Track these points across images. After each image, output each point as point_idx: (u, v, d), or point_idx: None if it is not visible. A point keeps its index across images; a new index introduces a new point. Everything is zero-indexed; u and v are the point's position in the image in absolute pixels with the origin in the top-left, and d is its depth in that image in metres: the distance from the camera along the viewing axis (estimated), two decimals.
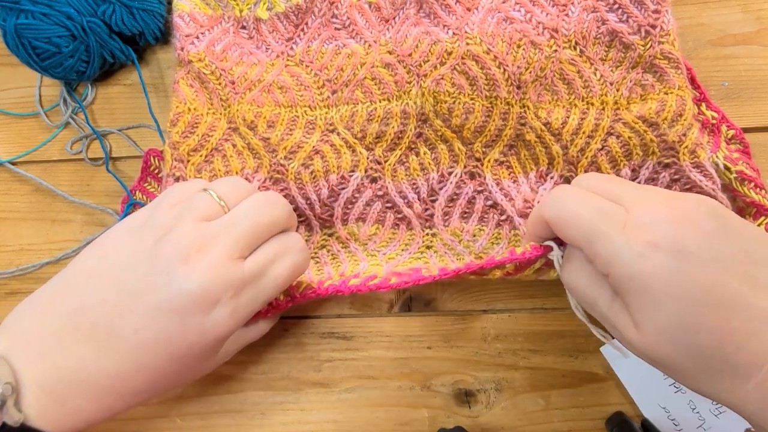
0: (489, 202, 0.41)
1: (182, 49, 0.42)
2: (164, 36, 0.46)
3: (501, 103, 0.40)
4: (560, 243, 0.34)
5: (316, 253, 0.42)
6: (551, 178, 0.41)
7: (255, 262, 0.33)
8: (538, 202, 0.40)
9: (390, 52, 0.41)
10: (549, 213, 0.33)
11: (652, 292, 0.29)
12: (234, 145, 0.42)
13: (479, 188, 0.42)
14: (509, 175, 0.41)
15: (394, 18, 0.42)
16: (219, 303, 0.31)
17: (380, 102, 0.41)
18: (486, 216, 0.41)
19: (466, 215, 0.42)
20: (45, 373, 0.30)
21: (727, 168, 0.39)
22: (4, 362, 0.29)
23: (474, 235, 0.41)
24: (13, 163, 0.46)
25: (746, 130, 0.41)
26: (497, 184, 0.41)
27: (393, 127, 0.41)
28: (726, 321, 0.28)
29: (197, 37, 0.43)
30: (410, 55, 0.41)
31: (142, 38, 0.44)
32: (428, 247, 0.42)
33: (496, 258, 0.36)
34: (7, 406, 0.28)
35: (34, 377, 0.29)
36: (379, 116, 0.41)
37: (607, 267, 0.30)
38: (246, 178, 0.41)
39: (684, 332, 0.28)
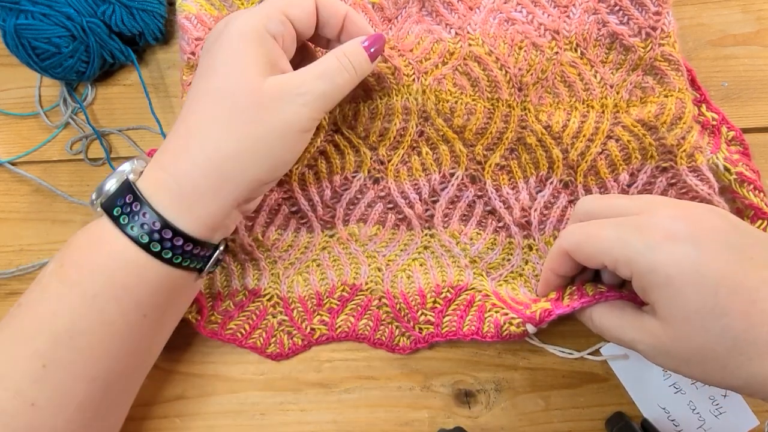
0: (488, 208, 0.42)
1: (193, 54, 0.42)
2: (164, 36, 0.46)
3: (502, 105, 0.40)
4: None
5: (318, 255, 0.42)
6: (550, 183, 0.41)
7: None
8: (535, 210, 0.41)
9: (391, 48, 0.41)
10: (566, 242, 0.34)
11: (676, 282, 0.29)
12: None
13: (479, 193, 0.42)
14: (509, 181, 0.42)
15: (396, 17, 0.42)
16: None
17: (381, 99, 0.41)
18: (484, 221, 0.42)
19: (465, 218, 0.42)
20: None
21: (727, 169, 0.39)
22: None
23: (471, 239, 0.42)
24: (13, 164, 0.46)
25: (746, 130, 0.41)
26: (496, 191, 0.42)
27: (395, 124, 0.41)
28: (752, 303, 0.28)
29: None
30: (411, 50, 0.41)
31: (142, 39, 0.44)
32: (426, 248, 0.42)
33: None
34: (134, 170, 0.33)
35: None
36: (381, 113, 0.41)
37: (629, 267, 0.30)
38: None
39: (712, 317, 0.28)
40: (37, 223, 0.45)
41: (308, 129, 0.34)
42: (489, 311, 0.39)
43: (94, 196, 0.33)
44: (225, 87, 0.32)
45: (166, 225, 0.31)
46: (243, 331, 0.42)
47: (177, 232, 0.32)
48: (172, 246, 0.32)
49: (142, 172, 0.33)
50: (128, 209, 0.31)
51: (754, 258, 0.29)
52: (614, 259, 0.31)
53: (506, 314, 0.38)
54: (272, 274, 0.42)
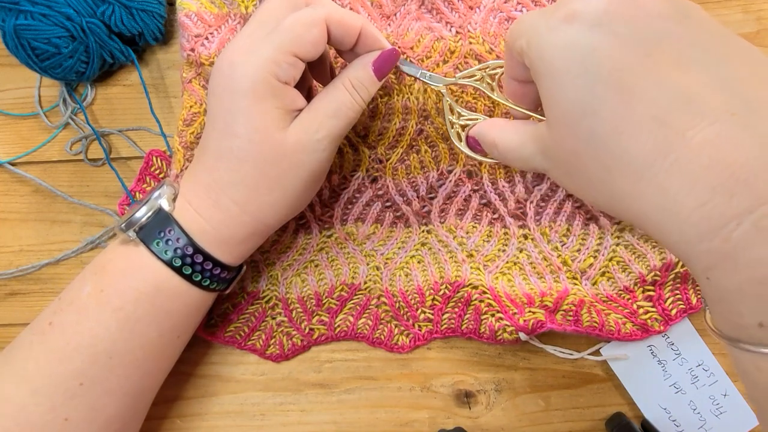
0: (483, 201, 0.42)
1: (192, 50, 0.42)
2: (164, 36, 0.46)
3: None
4: None
5: (316, 256, 0.42)
6: (548, 177, 0.41)
7: None
8: (531, 201, 0.41)
9: (392, 44, 0.41)
10: (506, 37, 0.31)
11: (559, 72, 0.25)
12: None
13: (475, 187, 0.42)
14: (506, 174, 0.42)
15: (395, 14, 0.42)
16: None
17: (381, 98, 0.41)
18: (479, 214, 0.42)
19: (461, 212, 0.42)
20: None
21: None
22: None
23: (467, 232, 0.42)
24: (13, 164, 0.46)
25: None
26: (492, 184, 0.42)
27: (395, 124, 0.41)
28: (628, 106, 0.23)
29: (207, 38, 0.42)
30: (412, 48, 0.41)
31: (142, 39, 0.44)
32: (423, 244, 0.42)
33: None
34: (167, 198, 0.34)
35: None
36: (381, 113, 0.41)
37: (528, 56, 0.27)
38: None
39: (583, 116, 0.24)
40: (37, 223, 0.45)
41: (328, 167, 0.36)
42: (485, 314, 0.39)
43: (124, 226, 0.33)
44: (248, 149, 0.33)
45: (205, 256, 0.34)
46: (242, 333, 0.42)
47: (215, 263, 0.34)
48: (210, 275, 0.35)
49: (174, 199, 0.35)
50: (168, 241, 0.33)
51: (666, 57, 0.23)
52: (521, 45, 0.27)
53: (501, 319, 0.38)
54: (270, 276, 0.42)
